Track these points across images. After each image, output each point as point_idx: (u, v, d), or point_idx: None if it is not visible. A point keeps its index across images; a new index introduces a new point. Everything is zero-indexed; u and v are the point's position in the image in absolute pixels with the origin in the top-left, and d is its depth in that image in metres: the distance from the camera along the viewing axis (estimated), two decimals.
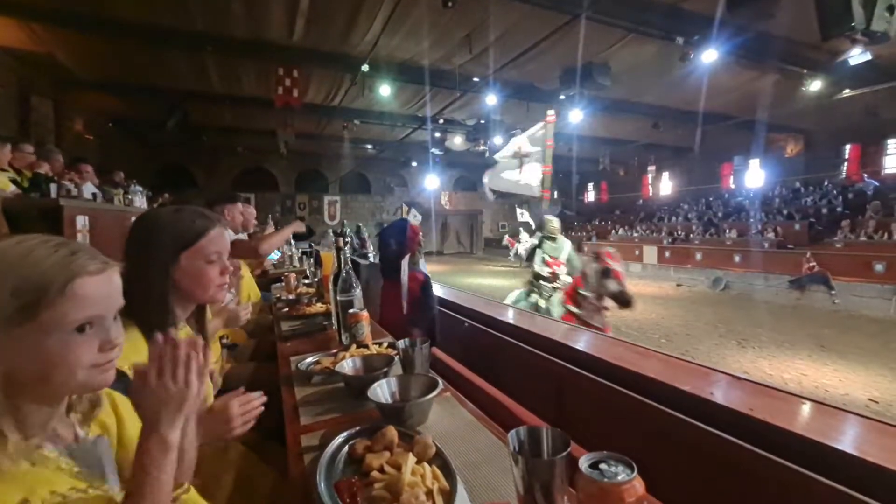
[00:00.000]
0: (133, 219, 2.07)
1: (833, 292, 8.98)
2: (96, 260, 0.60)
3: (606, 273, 3.21)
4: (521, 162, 4.39)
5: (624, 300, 3.22)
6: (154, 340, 0.65)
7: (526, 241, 6.90)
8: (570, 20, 6.31)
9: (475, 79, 8.92)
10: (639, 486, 0.50)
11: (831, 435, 0.97)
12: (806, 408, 1.19)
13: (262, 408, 0.96)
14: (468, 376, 2.05)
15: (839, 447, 0.91)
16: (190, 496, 0.71)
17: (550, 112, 4.28)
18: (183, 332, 1.08)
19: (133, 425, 0.70)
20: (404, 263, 2.30)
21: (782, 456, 0.91)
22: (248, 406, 0.93)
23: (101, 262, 0.60)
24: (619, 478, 0.50)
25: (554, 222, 4.55)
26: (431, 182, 18.96)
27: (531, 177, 4.32)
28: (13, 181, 3.27)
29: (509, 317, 2.25)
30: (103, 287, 0.60)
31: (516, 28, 6.85)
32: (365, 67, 7.99)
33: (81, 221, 3.29)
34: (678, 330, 7.02)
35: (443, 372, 1.63)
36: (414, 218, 4.28)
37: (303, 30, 7.03)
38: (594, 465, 0.52)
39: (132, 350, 0.87)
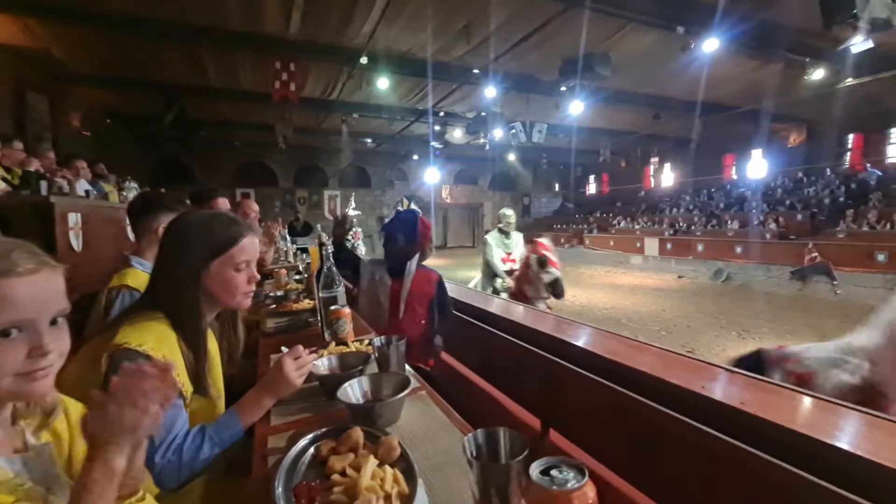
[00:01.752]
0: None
1: (835, 283, 8.93)
2: (31, 260, 0.56)
3: (543, 263, 3.30)
4: None
5: (558, 290, 3.32)
6: (122, 370, 0.61)
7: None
8: (567, 9, 6.23)
9: (475, 70, 8.83)
10: (590, 492, 0.48)
11: (825, 430, 0.94)
12: (799, 401, 1.17)
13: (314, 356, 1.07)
14: (466, 374, 2.05)
15: (834, 443, 0.88)
16: None
17: None
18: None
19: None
20: (412, 263, 2.03)
21: (772, 452, 0.89)
22: (300, 361, 1.01)
23: (37, 263, 0.57)
24: (569, 485, 0.48)
25: (510, 216, 4.38)
26: (432, 175, 18.87)
27: None
28: (3, 179, 3.26)
29: (501, 311, 2.23)
30: (35, 289, 0.56)
31: (515, 18, 6.76)
32: (364, 60, 7.91)
33: (73, 218, 3.26)
34: (679, 322, 7.00)
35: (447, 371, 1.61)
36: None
37: (299, 22, 6.96)
38: (546, 471, 0.50)
39: (163, 340, 0.93)
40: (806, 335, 6.07)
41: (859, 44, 6.29)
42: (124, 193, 4.74)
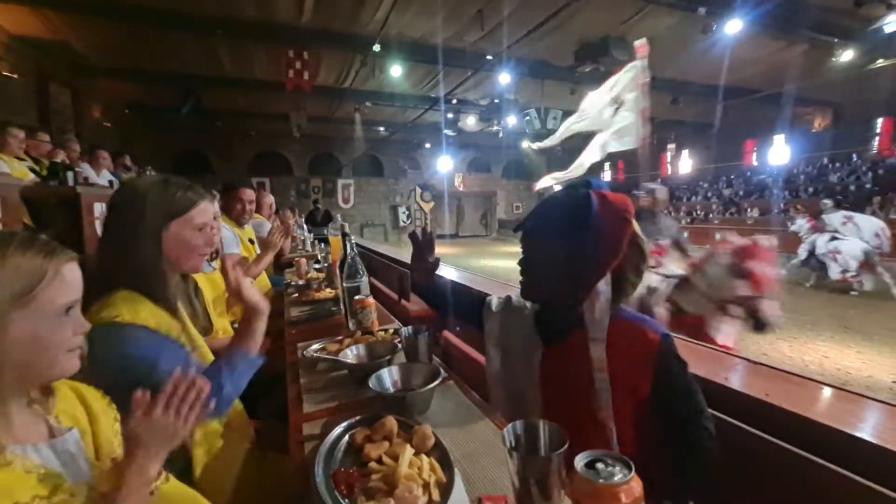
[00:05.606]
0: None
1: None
2: (68, 249, 0.63)
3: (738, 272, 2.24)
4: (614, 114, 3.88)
5: (759, 323, 2.21)
6: (174, 377, 0.68)
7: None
8: None
9: (488, 57, 8.71)
10: (636, 487, 0.48)
11: (850, 422, 0.93)
12: (825, 393, 1.15)
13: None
14: (478, 358, 2.03)
15: (859, 435, 0.87)
16: (169, 486, 0.70)
17: (640, 42, 3.61)
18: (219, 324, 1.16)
19: (106, 421, 0.71)
20: (596, 309, 0.86)
21: (800, 444, 0.88)
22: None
23: (72, 251, 0.64)
24: (616, 479, 0.47)
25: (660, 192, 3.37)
26: (445, 164, 18.77)
27: (624, 130, 3.79)
28: (32, 170, 3.34)
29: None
30: (78, 273, 0.64)
31: (529, 2, 6.63)
32: (376, 47, 7.85)
33: (99, 208, 3.34)
34: None
35: (457, 358, 1.61)
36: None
37: (311, 9, 6.93)
38: (591, 464, 0.50)
39: (139, 308, 0.93)
40: (827, 325, 5.95)
41: (892, 22, 6.03)
42: None
